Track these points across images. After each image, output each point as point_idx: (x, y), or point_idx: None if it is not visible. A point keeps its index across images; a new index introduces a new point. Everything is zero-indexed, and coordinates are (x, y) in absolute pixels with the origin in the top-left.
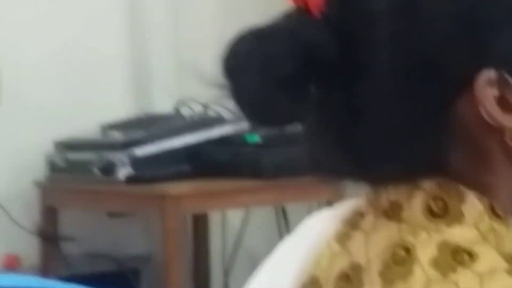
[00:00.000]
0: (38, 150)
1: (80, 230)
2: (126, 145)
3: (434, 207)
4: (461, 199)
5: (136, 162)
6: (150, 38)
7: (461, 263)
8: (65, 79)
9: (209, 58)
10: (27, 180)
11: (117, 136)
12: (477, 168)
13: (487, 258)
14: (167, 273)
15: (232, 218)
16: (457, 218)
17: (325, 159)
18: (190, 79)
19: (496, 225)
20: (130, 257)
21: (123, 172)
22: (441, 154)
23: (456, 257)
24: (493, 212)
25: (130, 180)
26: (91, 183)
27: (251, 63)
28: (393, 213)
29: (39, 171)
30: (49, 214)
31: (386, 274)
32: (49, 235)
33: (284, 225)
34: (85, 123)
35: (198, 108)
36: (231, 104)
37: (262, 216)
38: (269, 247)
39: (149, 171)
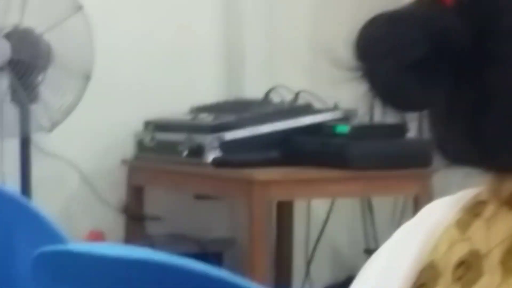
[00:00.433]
0: (127, 129)
1: (165, 210)
2: (215, 129)
3: None
4: None
5: (225, 146)
6: (244, 22)
7: None
8: (158, 59)
9: (303, 44)
10: (115, 158)
11: (206, 119)
12: None
13: None
14: (250, 258)
15: (317, 208)
16: None
17: (450, 147)
18: (282, 66)
19: None
20: (214, 240)
21: (211, 155)
22: None
23: None
24: None
25: (218, 163)
26: (179, 164)
27: (383, 47)
28: None
29: (128, 150)
30: (136, 192)
31: (508, 263)
32: (134, 213)
33: (369, 218)
34: (176, 104)
35: (288, 96)
36: (320, 93)
37: (347, 207)
38: (352, 239)
39: (238, 155)
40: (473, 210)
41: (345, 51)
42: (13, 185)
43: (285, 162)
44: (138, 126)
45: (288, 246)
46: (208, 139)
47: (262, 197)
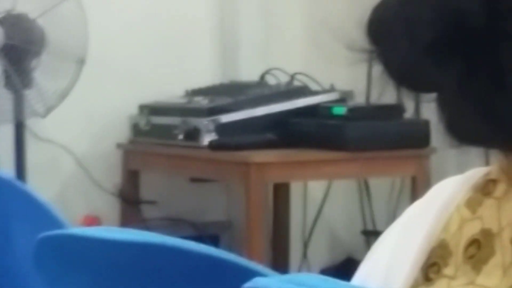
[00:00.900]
0: (122, 113)
1: (161, 194)
2: (211, 112)
3: None
4: None
5: (221, 129)
6: (239, 4)
7: None
8: (152, 43)
9: (298, 26)
10: (110, 143)
11: (202, 102)
12: None
13: None
14: (247, 240)
15: (314, 189)
16: None
17: (462, 127)
18: (277, 48)
19: None
20: (210, 223)
21: (207, 138)
22: None
23: None
24: None
25: (214, 146)
26: (174, 147)
27: (397, 28)
28: None
29: (123, 134)
30: (131, 176)
31: None
32: (130, 197)
33: (366, 199)
34: (171, 87)
35: (284, 78)
36: (316, 75)
37: (344, 188)
38: (349, 220)
39: (233, 138)
40: (484, 189)
41: (347, 32)
42: (8, 171)
43: (282, 144)
44: (133, 110)
45: (285, 228)
46: (203, 122)
47: (258, 179)
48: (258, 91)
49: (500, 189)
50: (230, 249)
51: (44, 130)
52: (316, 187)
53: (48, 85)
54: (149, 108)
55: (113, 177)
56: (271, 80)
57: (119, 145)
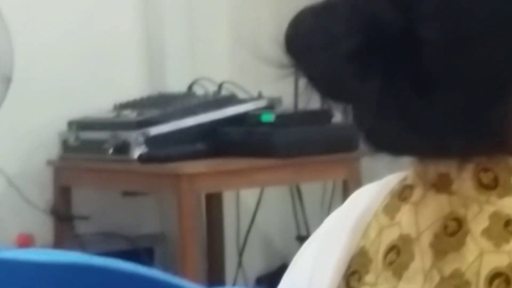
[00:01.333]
0: (51, 129)
1: (94, 209)
2: (140, 124)
3: (485, 179)
4: (510, 170)
5: (150, 141)
6: (164, 17)
7: None
8: (79, 58)
9: (223, 35)
10: (40, 159)
11: (131, 115)
12: None
13: None
14: (181, 252)
15: (246, 197)
16: (508, 189)
17: (382, 135)
18: (204, 58)
19: None
20: (144, 236)
21: (137, 151)
22: (504, 125)
23: (509, 228)
24: None
25: (144, 159)
26: (105, 162)
27: (315, 42)
28: (442, 185)
29: (53, 150)
30: (63, 193)
31: (438, 246)
32: (62, 214)
33: (299, 205)
34: (99, 102)
35: (211, 88)
36: (244, 83)
37: (276, 195)
38: (283, 227)
39: (164, 150)
40: (401, 194)
41: (268, 42)
42: None
43: (212, 154)
44: (62, 126)
45: (219, 237)
46: (133, 136)
47: (190, 190)
48: (186, 102)
49: (416, 194)
50: (165, 261)
51: None
52: (249, 195)
53: None
54: (78, 123)
55: (45, 194)
56: (199, 90)
57: (49, 162)
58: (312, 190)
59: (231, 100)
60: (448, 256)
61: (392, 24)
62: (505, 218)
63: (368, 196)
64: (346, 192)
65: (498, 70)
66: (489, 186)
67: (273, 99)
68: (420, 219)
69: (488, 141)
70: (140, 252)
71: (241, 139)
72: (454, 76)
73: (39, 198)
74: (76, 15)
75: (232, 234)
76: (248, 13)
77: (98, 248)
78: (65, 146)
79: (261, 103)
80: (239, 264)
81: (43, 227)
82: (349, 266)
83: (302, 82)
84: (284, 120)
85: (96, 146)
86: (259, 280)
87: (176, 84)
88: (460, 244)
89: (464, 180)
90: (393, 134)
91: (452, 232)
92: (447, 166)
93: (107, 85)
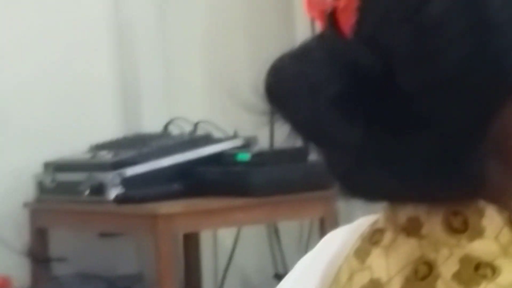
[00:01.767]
0: (27, 171)
1: (71, 251)
2: (116, 165)
3: (454, 223)
4: (481, 213)
5: (126, 182)
6: (139, 58)
7: (484, 277)
8: (54, 100)
9: (198, 75)
10: (16, 202)
11: (106, 156)
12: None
13: (509, 271)
14: None
15: (224, 237)
16: (478, 232)
17: (362, 180)
18: (179, 98)
19: None
20: (122, 277)
21: (113, 192)
22: (482, 170)
23: (479, 271)
24: None
25: (120, 200)
26: (81, 203)
27: (297, 87)
28: (412, 229)
29: (29, 192)
30: (39, 235)
31: None
32: (39, 256)
33: (276, 243)
34: (75, 143)
35: (187, 128)
36: (219, 122)
37: (254, 234)
38: (261, 266)
39: (140, 190)
40: (371, 238)
41: (244, 84)
42: None
43: (189, 194)
44: (38, 167)
45: (197, 277)
46: (109, 177)
47: (166, 230)
48: (162, 142)
49: (387, 238)
50: None
51: None
52: (226, 234)
53: None
54: (54, 165)
55: (22, 236)
56: (174, 130)
57: (25, 204)
58: (289, 228)
59: (207, 139)
60: None
61: (371, 69)
62: (475, 262)
63: (339, 240)
64: (323, 230)
65: (474, 114)
66: (459, 230)
67: (249, 138)
68: (390, 263)
69: (465, 186)
70: None
71: (217, 178)
72: (431, 120)
73: (16, 240)
74: (51, 57)
75: (210, 273)
76: (222, 52)
77: None
78: (41, 187)
79: (237, 142)
80: None
81: (20, 269)
82: None
83: (279, 123)
84: (260, 159)
85: (72, 188)
86: None
87: (151, 124)
88: None
89: (434, 224)
90: (370, 178)
91: (423, 276)
92: (416, 210)
93: (83, 126)
